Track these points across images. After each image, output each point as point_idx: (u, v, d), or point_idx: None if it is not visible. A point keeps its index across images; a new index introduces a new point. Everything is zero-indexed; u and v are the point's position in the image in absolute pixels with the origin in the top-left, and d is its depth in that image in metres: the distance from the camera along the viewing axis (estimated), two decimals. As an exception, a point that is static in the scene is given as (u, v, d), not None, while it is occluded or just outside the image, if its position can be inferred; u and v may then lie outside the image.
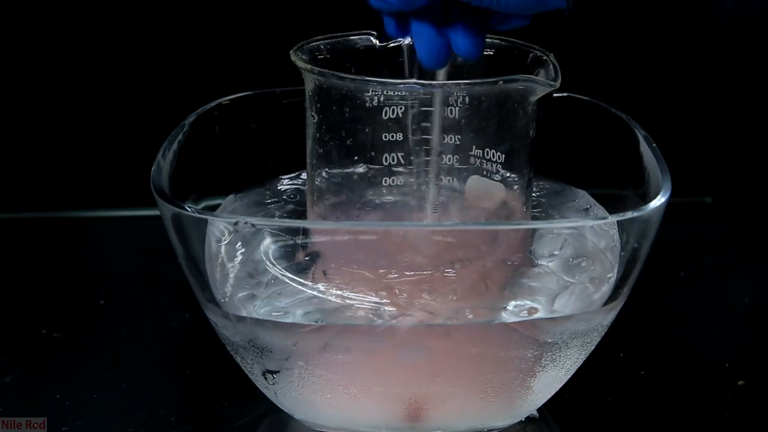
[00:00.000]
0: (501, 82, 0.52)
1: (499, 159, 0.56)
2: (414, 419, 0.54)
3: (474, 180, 0.56)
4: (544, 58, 0.55)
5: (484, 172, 0.56)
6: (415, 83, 0.55)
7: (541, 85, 0.53)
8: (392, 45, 0.59)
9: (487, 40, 0.57)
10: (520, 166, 0.56)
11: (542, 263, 0.56)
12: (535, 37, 0.57)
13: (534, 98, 0.54)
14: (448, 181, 0.56)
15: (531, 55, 0.56)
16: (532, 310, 0.53)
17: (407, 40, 0.58)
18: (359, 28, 0.59)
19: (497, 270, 0.54)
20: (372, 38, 0.59)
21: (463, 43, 0.54)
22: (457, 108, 0.55)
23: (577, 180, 0.64)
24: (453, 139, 0.55)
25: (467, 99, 0.54)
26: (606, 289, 0.55)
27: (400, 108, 0.55)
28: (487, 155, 0.56)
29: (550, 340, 0.53)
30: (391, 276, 0.52)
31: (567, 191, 0.64)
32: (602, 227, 0.57)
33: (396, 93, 0.54)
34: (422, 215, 0.56)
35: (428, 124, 0.55)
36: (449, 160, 0.55)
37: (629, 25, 0.49)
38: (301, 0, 0.84)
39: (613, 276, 0.55)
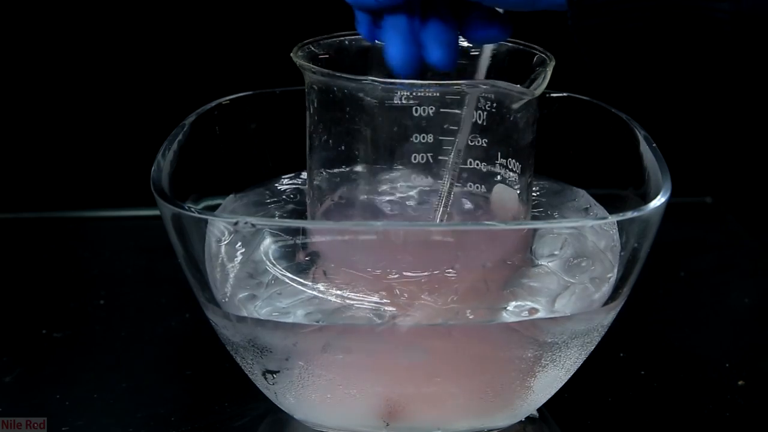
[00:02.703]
0: (464, 85, 0.52)
1: (500, 161, 0.56)
2: (396, 418, 0.54)
3: (499, 188, 0.56)
4: (547, 63, 0.55)
5: (491, 175, 0.56)
6: (414, 83, 0.55)
7: (515, 92, 0.52)
8: None
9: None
10: (520, 167, 0.56)
11: (542, 263, 0.56)
12: (537, 37, 0.57)
13: (514, 105, 0.54)
14: (444, 181, 0.56)
15: (536, 57, 0.56)
16: (532, 311, 0.53)
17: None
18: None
19: (498, 270, 0.54)
20: None
21: (436, 53, 0.53)
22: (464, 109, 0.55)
23: (577, 180, 0.64)
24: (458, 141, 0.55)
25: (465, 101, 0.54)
26: (606, 289, 0.55)
27: (400, 108, 0.55)
28: (488, 156, 0.56)
29: (549, 340, 0.53)
30: (392, 276, 0.52)
31: (567, 191, 0.64)
32: (602, 227, 0.57)
33: (395, 93, 0.54)
34: (423, 214, 0.56)
35: (427, 125, 0.55)
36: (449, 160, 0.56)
37: (629, 28, 0.48)
38: (301, 0, 0.84)
39: (613, 276, 0.55)
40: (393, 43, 0.53)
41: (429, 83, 0.54)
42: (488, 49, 0.55)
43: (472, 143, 0.55)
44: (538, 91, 0.53)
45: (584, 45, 0.49)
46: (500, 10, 0.53)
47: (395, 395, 0.53)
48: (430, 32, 0.53)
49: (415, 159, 0.56)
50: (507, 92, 0.52)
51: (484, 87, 0.53)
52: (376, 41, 0.54)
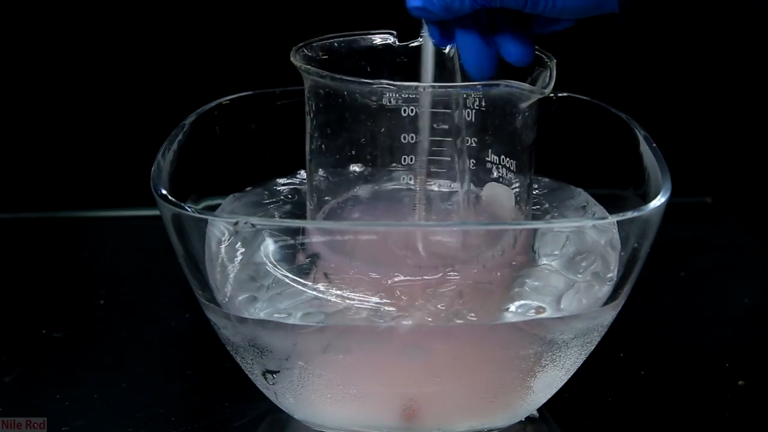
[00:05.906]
0: (480, 86, 0.52)
1: (500, 161, 0.56)
2: (412, 419, 0.54)
3: (490, 187, 0.56)
4: (547, 62, 0.55)
5: (493, 175, 0.56)
6: (410, 85, 0.55)
7: (527, 91, 0.52)
8: (413, 44, 0.58)
9: None
10: (521, 167, 0.56)
11: (545, 262, 0.56)
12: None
13: (524, 104, 0.54)
14: (445, 184, 0.56)
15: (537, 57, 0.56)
16: (539, 310, 0.53)
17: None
18: (360, 28, 0.59)
19: (500, 270, 0.54)
20: (374, 38, 0.59)
21: (514, 50, 0.53)
22: (464, 110, 0.54)
23: (577, 180, 0.64)
24: (455, 142, 0.55)
25: (463, 102, 0.54)
26: (608, 286, 0.55)
27: (399, 109, 0.55)
28: (488, 157, 0.56)
29: (551, 338, 0.53)
30: (394, 276, 0.52)
31: (564, 189, 0.64)
32: (603, 227, 0.57)
33: (393, 94, 0.54)
34: (420, 215, 0.56)
35: (423, 126, 0.55)
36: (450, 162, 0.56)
37: (683, 27, 0.48)
38: (301, 0, 0.84)
39: (614, 274, 0.55)
40: (469, 50, 0.53)
41: (426, 84, 0.54)
42: None
43: (470, 144, 0.55)
44: (548, 90, 0.52)
45: (637, 47, 0.49)
46: None
47: (419, 396, 0.53)
48: (505, 31, 0.53)
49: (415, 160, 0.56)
50: (518, 92, 0.52)
51: (497, 87, 0.53)
52: (449, 48, 0.54)
